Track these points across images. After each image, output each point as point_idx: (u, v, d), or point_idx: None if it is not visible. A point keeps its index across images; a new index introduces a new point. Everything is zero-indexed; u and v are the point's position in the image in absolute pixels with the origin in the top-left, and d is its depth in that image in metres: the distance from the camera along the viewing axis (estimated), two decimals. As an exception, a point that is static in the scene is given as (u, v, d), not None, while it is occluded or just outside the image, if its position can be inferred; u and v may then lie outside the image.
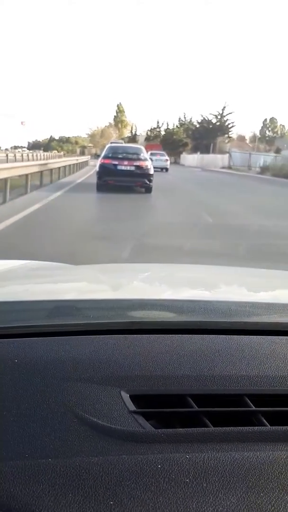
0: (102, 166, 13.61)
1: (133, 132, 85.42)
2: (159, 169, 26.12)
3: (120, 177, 13.28)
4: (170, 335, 0.81)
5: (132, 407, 0.62)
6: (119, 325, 0.85)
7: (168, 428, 0.61)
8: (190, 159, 57.13)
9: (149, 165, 13.92)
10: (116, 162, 13.55)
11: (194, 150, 62.24)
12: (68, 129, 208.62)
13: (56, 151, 78.18)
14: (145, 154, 14.74)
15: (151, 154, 26.42)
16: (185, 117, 74.30)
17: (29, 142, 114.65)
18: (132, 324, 0.86)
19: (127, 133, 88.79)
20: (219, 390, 0.68)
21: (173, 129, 73.13)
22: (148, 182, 13.54)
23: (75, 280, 1.39)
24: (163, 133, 75.20)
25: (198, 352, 0.76)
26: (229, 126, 63.68)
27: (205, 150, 55.63)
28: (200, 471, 0.53)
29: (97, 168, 13.99)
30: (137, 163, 13.66)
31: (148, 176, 13.59)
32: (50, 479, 0.51)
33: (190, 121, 73.16)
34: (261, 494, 0.51)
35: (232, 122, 64.00)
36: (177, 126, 73.07)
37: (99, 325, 0.85)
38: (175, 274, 1.52)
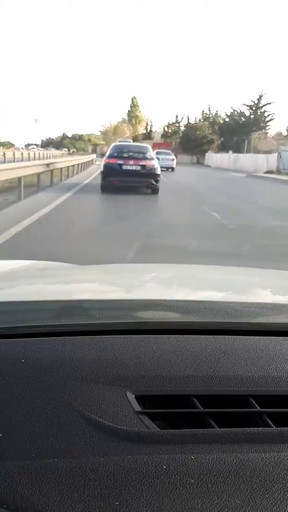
0: (106, 166, 13.04)
1: (148, 129, 74.76)
2: (165, 169, 23.83)
3: (125, 177, 12.79)
4: (176, 335, 0.81)
5: (137, 407, 0.63)
6: (125, 326, 0.86)
7: (174, 428, 0.61)
8: (218, 159, 47.74)
9: (155, 164, 13.30)
10: (121, 162, 12.97)
11: (222, 148, 53.02)
12: (82, 127, 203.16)
13: (66, 149, 75.38)
14: (151, 153, 14.06)
15: (157, 153, 24.09)
16: (210, 110, 64.24)
17: (42, 140, 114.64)
18: (137, 324, 0.87)
19: (141, 130, 78.45)
20: (224, 390, 0.68)
21: (195, 123, 63.33)
22: (154, 183, 13.00)
23: (81, 280, 1.39)
24: (183, 128, 66.12)
25: (203, 352, 0.76)
26: (267, 119, 52.46)
27: (236, 148, 45.30)
28: (205, 472, 0.53)
29: (101, 168, 13.51)
30: (143, 163, 13.05)
31: (155, 176, 13.03)
32: (56, 478, 0.51)
33: (216, 114, 63.15)
34: (266, 496, 0.51)
35: (272, 114, 52.89)
36: (200, 120, 63.16)
37: (104, 325, 0.85)
38: (180, 275, 1.51)
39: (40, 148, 74.91)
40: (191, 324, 0.87)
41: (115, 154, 13.32)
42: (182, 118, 70.07)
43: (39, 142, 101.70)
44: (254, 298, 1.18)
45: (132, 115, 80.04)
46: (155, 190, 12.98)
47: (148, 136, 71.99)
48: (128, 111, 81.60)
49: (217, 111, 65.92)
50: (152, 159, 13.41)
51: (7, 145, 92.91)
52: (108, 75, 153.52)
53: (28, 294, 1.10)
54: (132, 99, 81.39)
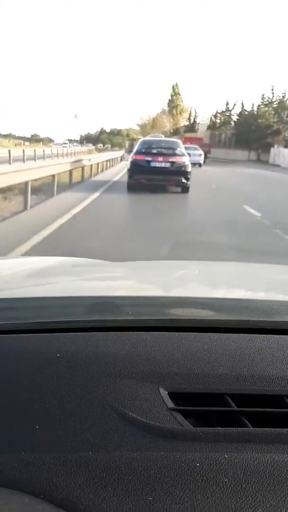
0: (133, 163, 12.24)
1: (192, 119, 67.48)
2: (192, 165, 20.88)
3: (153, 175, 11.93)
4: (209, 333, 0.81)
5: (170, 404, 0.63)
6: (158, 322, 0.86)
7: (207, 427, 0.61)
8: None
9: (186, 161, 12.40)
10: (149, 158, 12.11)
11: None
12: (121, 121, 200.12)
13: (101, 145, 76.14)
14: (182, 149, 12.98)
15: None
16: (273, 92, 50.67)
17: (81, 135, 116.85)
18: (170, 321, 0.87)
19: (183, 121, 71.40)
20: (259, 390, 0.67)
21: (252, 110, 51.05)
22: (185, 181, 12.16)
23: (113, 277, 1.40)
24: (235, 117, 55.34)
25: (237, 351, 0.75)
26: None
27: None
28: (239, 471, 0.53)
29: (128, 165, 12.73)
30: (173, 159, 12.15)
31: (185, 174, 12.16)
32: (91, 471, 0.52)
33: (283, 97, 49.21)
34: None
35: None
36: (259, 105, 50.37)
37: (137, 321, 0.86)
38: (212, 272, 1.50)
39: (75, 144, 73.50)
40: (225, 322, 0.87)
41: (143, 150, 12.53)
42: (235, 104, 58.21)
43: (77, 138, 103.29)
44: None
45: (173, 105, 72.51)
46: (185, 189, 12.27)
47: (191, 128, 65.18)
48: (169, 100, 73.86)
49: (284, 93, 49.95)
50: (182, 155, 12.54)
51: (46, 141, 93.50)
52: (148, 65, 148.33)
53: (63, 290, 1.11)
54: (173, 87, 73.16)
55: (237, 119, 54.04)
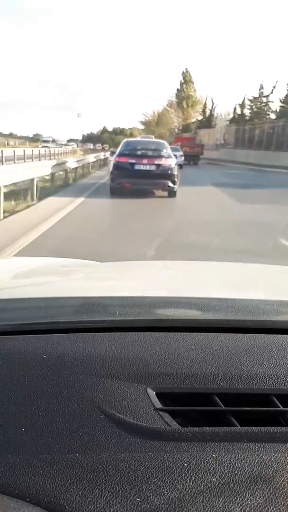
0: (116, 166, 11.28)
1: (208, 112, 52.64)
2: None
3: (137, 179, 11.05)
4: (196, 333, 0.81)
5: (158, 404, 0.63)
6: (145, 323, 0.86)
7: (195, 426, 0.61)
8: None
9: (172, 164, 11.53)
10: (133, 161, 11.21)
11: None
12: (125, 120, 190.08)
13: (99, 145, 68.25)
14: (168, 150, 12.12)
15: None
16: None
17: (83, 135, 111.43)
18: (158, 321, 0.87)
19: (196, 116, 56.72)
20: (246, 389, 0.68)
21: None
22: (171, 184, 11.21)
23: (101, 277, 1.40)
24: (278, 104, 37.97)
25: (224, 350, 0.76)
26: None
27: None
28: (227, 470, 0.53)
29: (110, 168, 11.75)
30: (159, 161, 11.32)
31: (172, 177, 11.22)
32: (78, 473, 0.52)
33: None
34: None
35: None
36: None
37: (125, 322, 0.86)
38: (200, 272, 1.51)
39: (60, 143, 68.00)
40: (212, 322, 0.88)
41: (127, 152, 11.57)
42: (274, 87, 39.73)
43: (80, 137, 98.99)
44: (276, 296, 1.15)
45: (183, 96, 58.68)
46: (172, 193, 11.32)
47: (207, 123, 51.03)
48: (177, 90, 59.74)
49: None
50: (169, 157, 11.66)
51: (48, 142, 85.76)
52: (154, 55, 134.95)
53: (49, 291, 1.11)
54: (183, 74, 59.03)
55: (282, 106, 37.08)
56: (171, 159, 11.54)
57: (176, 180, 11.28)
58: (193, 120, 57.49)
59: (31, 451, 0.55)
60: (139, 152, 11.60)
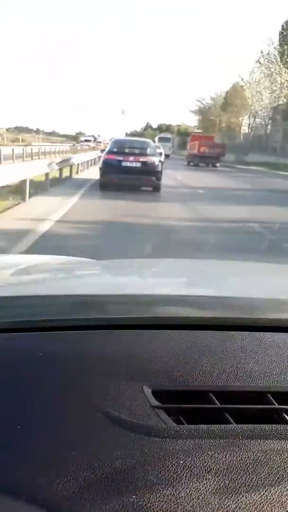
0: (105, 163, 12.74)
1: None
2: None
3: (124, 174, 12.31)
4: (192, 331, 0.82)
5: (154, 402, 0.63)
6: (142, 320, 0.86)
7: (190, 424, 0.61)
8: None
9: (156, 161, 12.90)
10: (120, 158, 12.59)
11: None
12: (175, 115, 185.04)
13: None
14: (153, 149, 13.72)
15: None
16: None
17: (126, 133, 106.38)
18: (154, 319, 0.87)
19: None
20: (242, 387, 0.68)
21: None
22: (156, 180, 12.65)
23: (97, 275, 1.40)
24: None
25: (220, 348, 0.76)
26: None
27: None
28: (222, 468, 0.53)
29: (100, 165, 13.25)
30: (144, 159, 12.66)
31: (156, 174, 12.69)
32: (73, 471, 0.52)
33: None
34: (285, 492, 0.51)
35: None
36: None
37: (121, 320, 0.86)
38: (196, 270, 1.50)
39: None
40: (208, 319, 0.88)
41: (115, 150, 12.97)
42: None
43: (123, 135, 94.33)
44: (272, 294, 1.14)
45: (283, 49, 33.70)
46: (156, 188, 12.64)
47: None
48: (281, 34, 34.12)
49: None
50: (153, 155, 13.06)
51: (89, 141, 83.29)
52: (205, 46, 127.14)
53: (45, 288, 1.11)
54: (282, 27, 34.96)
55: None
56: (155, 157, 12.89)
57: (159, 176, 12.68)
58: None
59: (26, 448, 0.55)
60: (126, 150, 12.84)
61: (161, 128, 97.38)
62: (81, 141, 62.64)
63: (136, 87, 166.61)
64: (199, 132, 49.66)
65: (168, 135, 57.21)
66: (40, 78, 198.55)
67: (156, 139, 54.60)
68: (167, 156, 50.29)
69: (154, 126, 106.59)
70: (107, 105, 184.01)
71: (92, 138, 69.95)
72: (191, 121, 63.45)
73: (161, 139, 52.35)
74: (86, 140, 63.83)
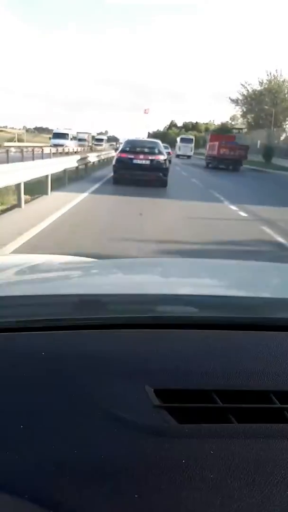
0: (118, 160, 14.33)
1: None
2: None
3: (135, 171, 13.80)
4: (195, 330, 0.81)
5: (156, 401, 0.63)
6: (143, 320, 0.86)
7: (193, 423, 0.61)
8: None
9: (163, 159, 14.36)
10: (132, 156, 14.12)
11: None
12: (204, 113, 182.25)
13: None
14: (161, 149, 15.12)
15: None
16: None
17: (149, 133, 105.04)
18: (157, 319, 0.87)
19: None
20: (244, 386, 0.68)
21: None
22: (163, 176, 14.04)
23: (99, 274, 1.40)
24: None
25: (223, 347, 0.76)
26: None
27: None
28: (224, 467, 0.53)
29: (113, 162, 14.80)
30: (152, 157, 14.21)
31: (163, 170, 14.15)
32: (76, 470, 0.52)
33: None
34: (287, 492, 0.51)
35: None
36: None
37: (123, 319, 0.86)
38: (198, 269, 1.51)
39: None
40: (211, 319, 0.88)
41: (127, 149, 14.57)
42: None
43: (146, 135, 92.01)
44: (275, 293, 1.15)
45: None
46: (163, 183, 13.97)
47: None
48: None
49: None
50: (160, 154, 14.52)
51: (112, 140, 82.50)
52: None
53: (47, 288, 1.11)
54: None
55: None
56: (162, 156, 14.48)
57: (166, 173, 14.29)
58: None
59: (28, 448, 0.54)
60: (137, 149, 14.51)
61: (187, 126, 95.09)
62: (96, 140, 57.41)
63: (161, 85, 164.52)
64: (240, 128, 47.74)
65: (190, 136, 57.03)
66: (63, 81, 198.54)
67: (178, 139, 53.23)
68: (188, 157, 48.91)
69: (179, 124, 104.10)
70: (130, 106, 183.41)
71: (105, 138, 66.05)
72: (225, 116, 59.90)
73: (183, 140, 51.42)
74: (97, 140, 58.30)
